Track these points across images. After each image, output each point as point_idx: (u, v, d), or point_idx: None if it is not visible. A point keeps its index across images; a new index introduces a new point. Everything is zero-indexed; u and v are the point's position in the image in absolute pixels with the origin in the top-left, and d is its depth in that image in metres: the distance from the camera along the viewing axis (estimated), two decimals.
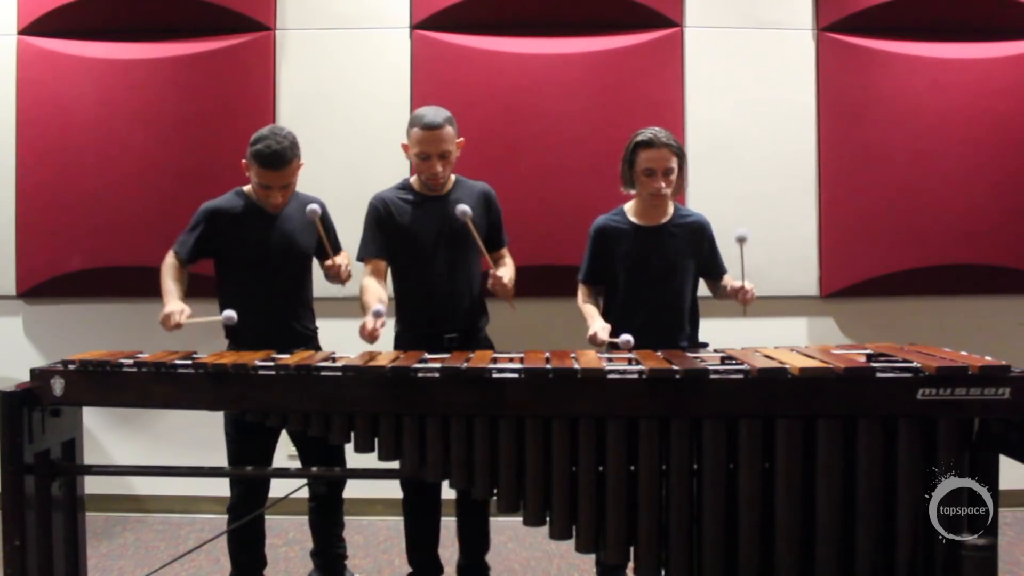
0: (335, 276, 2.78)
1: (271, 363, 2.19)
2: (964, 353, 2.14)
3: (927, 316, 3.72)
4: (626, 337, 2.50)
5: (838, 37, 3.69)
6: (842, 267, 3.71)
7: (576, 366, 2.09)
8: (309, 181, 3.10)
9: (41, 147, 3.71)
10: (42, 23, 3.71)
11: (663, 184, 2.68)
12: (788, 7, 3.74)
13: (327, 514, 2.88)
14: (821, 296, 3.75)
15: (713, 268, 2.85)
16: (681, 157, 2.72)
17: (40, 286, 3.75)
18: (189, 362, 2.22)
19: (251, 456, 2.65)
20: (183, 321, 2.51)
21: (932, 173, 3.65)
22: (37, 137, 3.71)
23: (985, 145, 3.65)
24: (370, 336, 2.51)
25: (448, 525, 2.91)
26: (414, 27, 3.71)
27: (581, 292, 2.83)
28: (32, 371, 2.22)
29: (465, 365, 2.13)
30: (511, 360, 2.26)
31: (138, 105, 3.66)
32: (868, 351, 2.30)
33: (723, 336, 3.42)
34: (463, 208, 2.62)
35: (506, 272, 2.73)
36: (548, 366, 2.10)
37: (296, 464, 3.13)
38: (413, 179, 2.81)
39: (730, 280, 2.78)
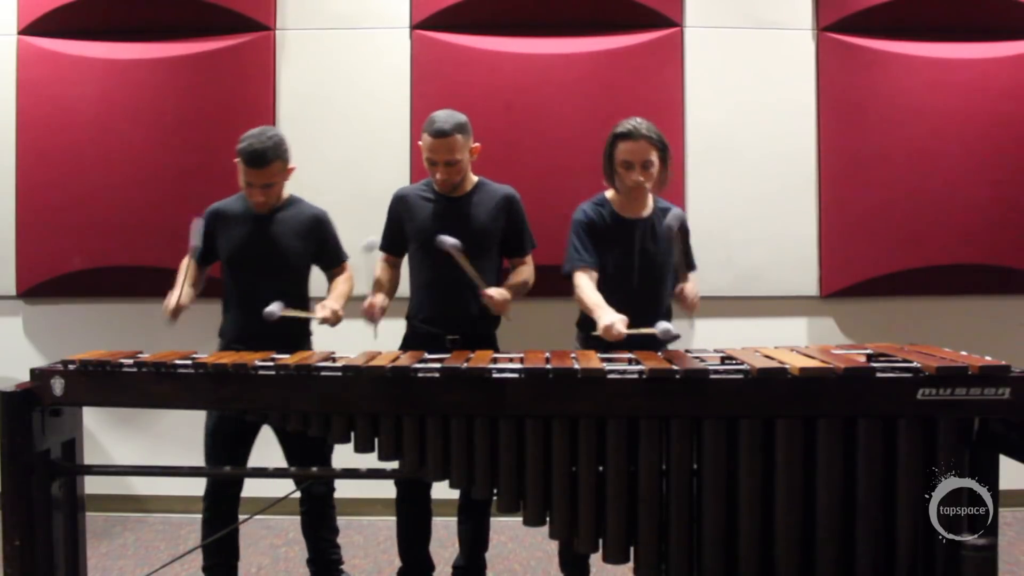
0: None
1: (271, 363, 2.19)
2: (964, 353, 2.14)
3: (927, 316, 3.72)
4: (666, 326, 2.44)
5: (838, 37, 3.69)
6: (842, 267, 3.71)
7: (576, 366, 2.09)
8: (309, 181, 3.11)
9: (41, 147, 3.70)
10: (42, 23, 3.71)
11: (641, 177, 2.64)
12: (788, 7, 3.74)
13: (318, 520, 2.87)
14: (821, 296, 3.75)
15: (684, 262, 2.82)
16: (663, 151, 2.67)
17: (40, 286, 3.75)
18: (189, 362, 2.22)
19: (227, 453, 2.69)
20: (184, 302, 2.63)
21: (932, 173, 3.65)
22: (37, 137, 3.71)
23: (985, 145, 3.65)
24: (369, 309, 2.70)
25: (449, 526, 2.91)
26: (414, 27, 3.71)
27: (581, 280, 2.65)
28: (32, 371, 2.22)
29: (465, 365, 2.13)
30: (511, 360, 2.26)
31: (138, 105, 3.66)
32: (868, 351, 2.30)
33: (723, 336, 3.42)
34: (452, 241, 2.61)
35: (498, 290, 2.68)
36: (548, 366, 2.10)
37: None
38: None
39: (686, 288, 2.75)
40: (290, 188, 3.31)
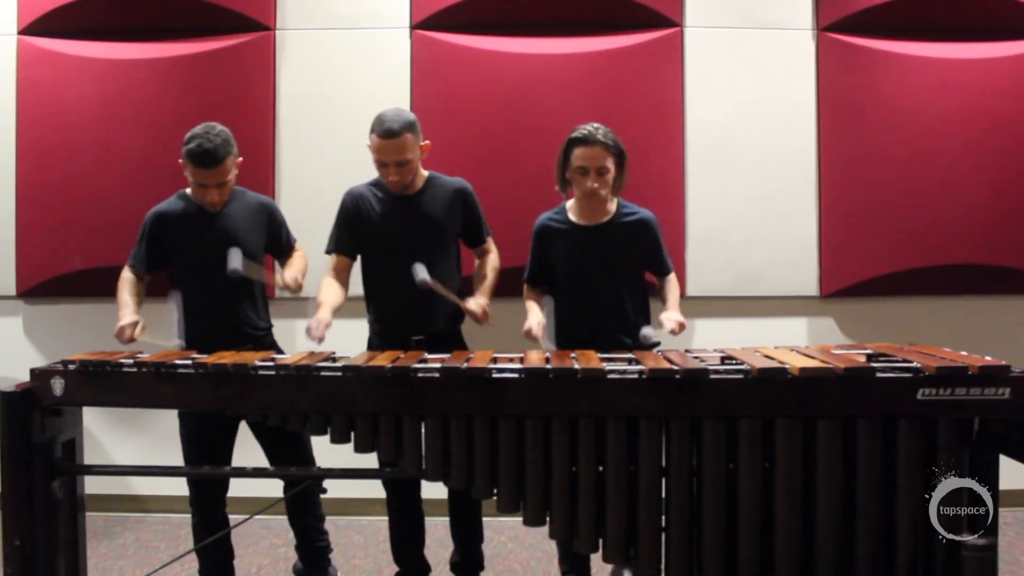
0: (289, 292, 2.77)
1: (271, 363, 2.20)
2: (964, 353, 2.14)
3: (927, 316, 3.72)
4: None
5: (838, 37, 3.69)
6: (842, 267, 3.71)
7: (576, 366, 2.09)
8: (309, 181, 3.10)
9: (41, 147, 3.70)
10: (42, 23, 3.71)
11: (595, 184, 2.61)
12: (788, 7, 3.74)
13: (300, 507, 2.87)
14: (821, 296, 3.75)
15: (656, 266, 2.81)
16: (619, 156, 2.65)
17: (40, 286, 3.75)
18: (189, 362, 2.22)
19: (203, 454, 2.70)
20: (137, 335, 2.55)
21: (932, 173, 3.65)
22: (37, 137, 3.71)
23: (985, 145, 3.65)
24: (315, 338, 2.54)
25: (445, 525, 2.90)
26: (414, 27, 3.71)
27: (525, 292, 2.79)
28: (32, 371, 2.22)
29: (465, 365, 2.13)
30: (511, 360, 2.26)
31: (138, 105, 3.66)
32: (868, 351, 2.30)
33: (723, 336, 3.42)
34: (422, 278, 2.55)
35: (476, 302, 2.69)
36: (548, 366, 2.10)
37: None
38: None
39: (665, 317, 2.65)
40: (290, 187, 3.32)
